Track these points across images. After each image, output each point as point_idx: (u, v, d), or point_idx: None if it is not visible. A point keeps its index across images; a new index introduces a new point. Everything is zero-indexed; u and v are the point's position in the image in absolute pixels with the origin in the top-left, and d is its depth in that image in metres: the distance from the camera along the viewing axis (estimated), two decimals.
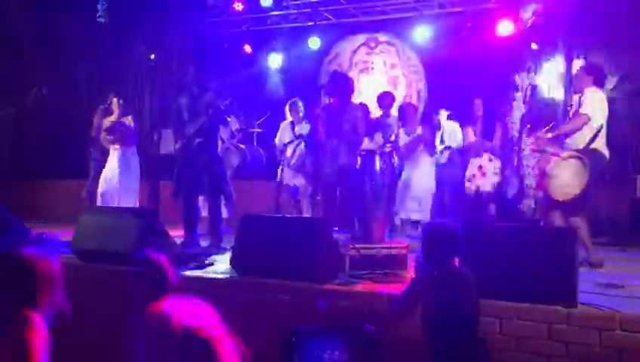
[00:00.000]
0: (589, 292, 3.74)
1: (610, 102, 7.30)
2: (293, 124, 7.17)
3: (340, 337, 2.99)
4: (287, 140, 7.11)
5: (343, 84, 5.77)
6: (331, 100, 5.85)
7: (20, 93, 9.21)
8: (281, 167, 7.12)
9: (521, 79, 4.91)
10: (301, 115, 7.15)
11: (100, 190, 6.84)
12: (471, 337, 3.00)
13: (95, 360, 4.10)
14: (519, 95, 4.98)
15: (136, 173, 6.93)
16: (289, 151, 7.01)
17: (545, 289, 3.48)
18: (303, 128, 7.01)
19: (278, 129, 7.51)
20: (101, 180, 6.86)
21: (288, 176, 7.03)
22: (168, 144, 7.05)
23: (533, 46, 7.93)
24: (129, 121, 6.94)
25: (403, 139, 6.49)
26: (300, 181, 6.96)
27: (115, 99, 7.04)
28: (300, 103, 7.20)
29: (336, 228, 5.62)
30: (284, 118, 7.44)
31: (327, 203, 5.75)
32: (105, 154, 7.08)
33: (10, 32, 10.48)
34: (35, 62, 10.65)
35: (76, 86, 10.84)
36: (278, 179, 7.10)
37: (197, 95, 5.78)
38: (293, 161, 6.93)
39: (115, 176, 6.78)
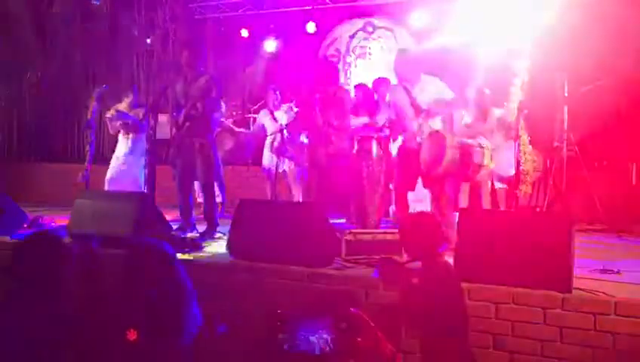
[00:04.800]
0: (585, 278, 3.76)
1: (604, 89, 7.34)
2: (272, 112, 7.12)
3: (327, 320, 3.01)
4: (270, 129, 7.05)
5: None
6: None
7: (16, 76, 9.15)
8: (267, 153, 7.12)
9: (518, 65, 4.89)
10: (277, 102, 7.12)
11: (107, 176, 6.86)
12: (450, 325, 3.03)
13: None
14: (517, 80, 4.96)
15: (142, 159, 6.94)
16: (270, 138, 7.00)
17: (540, 274, 3.49)
18: (283, 114, 6.96)
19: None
20: (111, 166, 6.89)
21: (277, 163, 7.00)
22: (164, 128, 7.02)
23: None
24: (139, 114, 6.90)
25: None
26: (288, 166, 6.94)
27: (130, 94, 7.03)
28: (277, 92, 7.17)
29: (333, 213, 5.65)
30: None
31: (321, 188, 5.75)
32: (100, 137, 7.08)
33: (4, 15, 10.40)
34: (30, 45, 10.59)
35: (72, 69, 10.78)
36: (271, 165, 7.07)
37: (192, 80, 5.74)
38: (275, 144, 6.93)
39: (124, 163, 6.81)
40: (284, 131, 6.61)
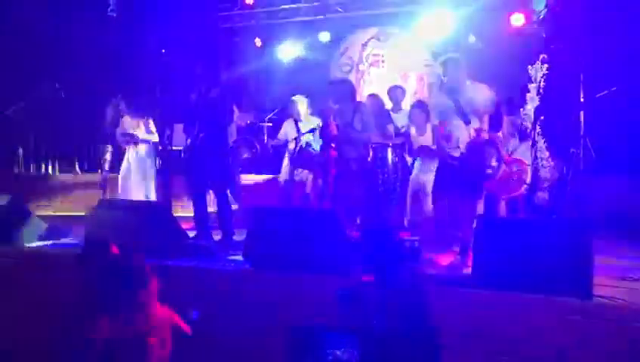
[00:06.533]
0: (604, 285, 3.72)
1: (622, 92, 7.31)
2: (296, 121, 7.13)
3: (350, 334, 2.98)
4: (292, 137, 7.07)
5: (342, 90, 5.78)
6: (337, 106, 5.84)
7: (33, 86, 9.26)
8: (286, 162, 7.13)
9: (534, 70, 4.87)
10: (306, 111, 7.11)
11: (119, 187, 6.93)
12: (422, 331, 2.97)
13: None
14: (533, 86, 4.94)
15: (153, 167, 7.01)
16: (292, 145, 7.02)
17: (560, 281, 3.46)
18: (310, 123, 6.97)
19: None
20: (120, 176, 6.96)
21: (295, 172, 7.02)
22: (180, 138, 7.07)
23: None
24: (142, 125, 7.00)
25: (415, 139, 6.48)
26: (305, 175, 6.95)
27: (122, 103, 7.10)
28: (303, 100, 7.14)
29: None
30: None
31: (340, 195, 5.74)
32: (118, 146, 7.15)
33: (21, 26, 10.53)
34: (46, 56, 10.70)
35: (89, 80, 10.88)
36: (284, 174, 7.09)
37: (206, 91, 5.78)
38: (295, 151, 6.96)
39: (133, 172, 6.87)
40: (303, 140, 6.65)
